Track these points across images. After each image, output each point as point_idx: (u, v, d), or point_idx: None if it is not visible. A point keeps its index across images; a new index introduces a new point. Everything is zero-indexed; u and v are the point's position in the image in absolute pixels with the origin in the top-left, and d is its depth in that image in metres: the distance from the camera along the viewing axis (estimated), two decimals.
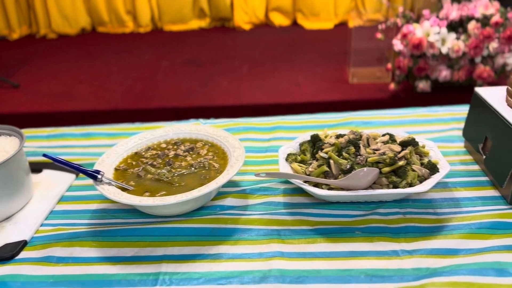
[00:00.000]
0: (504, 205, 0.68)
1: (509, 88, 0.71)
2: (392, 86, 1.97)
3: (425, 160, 0.71)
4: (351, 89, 2.14)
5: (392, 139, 0.74)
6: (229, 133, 0.78)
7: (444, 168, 0.68)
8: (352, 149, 0.70)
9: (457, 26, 1.84)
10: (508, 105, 0.71)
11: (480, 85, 1.89)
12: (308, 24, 3.18)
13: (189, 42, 3.05)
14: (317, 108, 2.10)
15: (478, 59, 1.82)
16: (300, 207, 0.70)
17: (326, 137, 0.77)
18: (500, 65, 1.83)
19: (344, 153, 0.70)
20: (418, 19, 1.95)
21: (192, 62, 2.65)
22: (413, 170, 0.68)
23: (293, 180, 0.68)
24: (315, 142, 0.75)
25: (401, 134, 0.77)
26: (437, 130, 0.90)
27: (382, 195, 0.67)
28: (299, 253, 0.62)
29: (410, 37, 1.79)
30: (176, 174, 0.70)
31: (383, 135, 0.77)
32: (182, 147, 0.77)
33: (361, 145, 0.71)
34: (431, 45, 1.80)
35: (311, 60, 2.58)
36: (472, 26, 1.76)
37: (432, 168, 0.68)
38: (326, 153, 0.71)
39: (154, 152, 0.77)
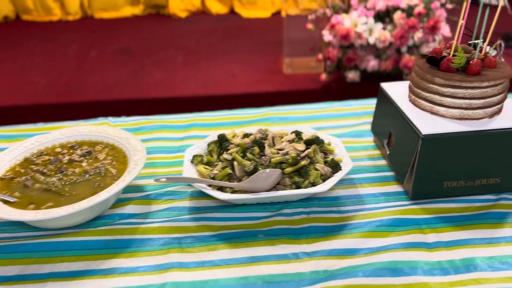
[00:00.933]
0: (406, 200, 0.69)
1: (411, 84, 0.72)
2: (324, 76, 1.98)
3: (330, 158, 0.70)
4: (285, 80, 2.14)
5: (299, 137, 0.73)
6: (131, 134, 0.74)
7: (346, 165, 0.68)
8: (257, 149, 0.68)
9: (384, 16, 1.88)
10: (410, 100, 0.72)
11: (407, 74, 1.95)
12: (246, 12, 3.14)
13: (120, 31, 2.91)
14: (251, 99, 2.08)
15: (404, 49, 1.87)
16: (206, 211, 0.68)
17: (233, 136, 0.74)
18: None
19: (248, 154, 0.67)
20: (348, 9, 1.97)
21: (123, 52, 2.53)
22: (316, 169, 0.67)
23: (195, 184, 0.65)
24: (222, 143, 0.72)
25: (309, 132, 0.76)
26: (350, 125, 0.90)
27: (282, 196, 0.65)
28: (198, 262, 0.59)
29: (338, 28, 1.81)
30: (67, 183, 0.65)
31: (292, 132, 0.75)
32: (79, 151, 0.71)
33: (266, 145, 0.69)
34: (359, 35, 1.83)
35: (248, 49, 2.55)
36: (397, 16, 1.81)
37: (335, 166, 0.68)
38: (231, 154, 0.68)
39: (47, 157, 0.71)
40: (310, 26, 1.94)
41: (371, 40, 1.83)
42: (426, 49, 1.88)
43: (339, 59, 1.92)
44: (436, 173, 0.66)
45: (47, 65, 2.35)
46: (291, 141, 0.71)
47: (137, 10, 3.21)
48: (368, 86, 1.99)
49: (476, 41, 0.69)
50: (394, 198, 0.70)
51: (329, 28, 1.84)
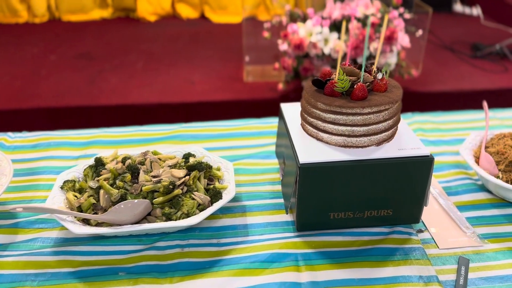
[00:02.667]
0: (291, 232, 0.64)
1: (301, 108, 0.67)
2: (281, 86, 1.94)
3: (213, 185, 0.65)
4: (244, 88, 2.09)
5: (187, 160, 0.68)
6: (4, 155, 0.68)
7: (229, 193, 0.63)
8: (129, 176, 0.63)
9: (340, 26, 1.84)
10: (301, 125, 0.67)
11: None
12: (216, 17, 3.08)
13: (86, 34, 2.84)
14: (208, 108, 2.03)
15: (359, 60, 1.83)
16: (72, 243, 0.62)
17: (113, 159, 0.69)
18: (382, 65, 1.86)
19: (118, 182, 0.62)
20: (306, 18, 1.93)
21: (84, 56, 2.46)
22: (193, 199, 0.62)
23: (54, 215, 0.60)
24: (97, 167, 0.67)
25: (202, 153, 0.71)
26: (261, 145, 0.85)
27: (143, 230, 0.60)
28: None
29: (291, 37, 1.76)
30: None
31: (184, 155, 0.70)
32: None
33: (141, 171, 0.64)
34: (314, 45, 1.78)
35: (212, 56, 2.50)
36: (352, 26, 1.77)
37: (215, 195, 0.63)
38: (98, 181, 0.63)
39: None
40: (266, 34, 1.90)
41: (326, 50, 1.79)
42: (383, 60, 1.84)
43: (295, 69, 1.88)
44: (321, 203, 0.61)
45: (2, 70, 2.28)
46: (172, 166, 0.66)
47: (106, 13, 3.15)
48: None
49: (369, 62, 0.65)
50: (281, 229, 0.65)
51: (282, 37, 1.79)
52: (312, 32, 1.78)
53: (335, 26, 1.83)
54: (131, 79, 2.19)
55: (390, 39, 1.77)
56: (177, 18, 3.16)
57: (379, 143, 0.61)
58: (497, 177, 0.68)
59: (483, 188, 0.73)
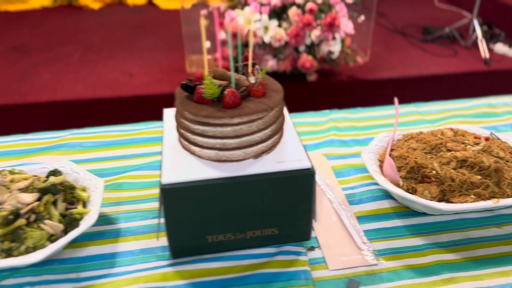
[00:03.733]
0: (166, 259, 0.56)
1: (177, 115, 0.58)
2: None
3: (74, 209, 0.56)
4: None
5: (47, 180, 0.59)
6: None
7: (88, 220, 0.55)
8: None
9: (280, 13, 1.75)
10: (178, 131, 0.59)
11: (310, 75, 1.84)
12: (164, 3, 2.94)
13: (23, 25, 2.66)
14: (144, 102, 1.92)
15: (301, 48, 1.75)
16: None
17: None
18: (325, 53, 1.79)
19: None
20: (247, 4, 1.83)
21: (17, 50, 2.30)
22: (42, 229, 0.53)
23: None
24: None
25: (72, 169, 0.62)
26: (153, 153, 0.77)
27: None
28: None
29: (227, 26, 1.67)
30: None
31: (49, 173, 0.61)
32: None
33: None
34: (254, 33, 1.69)
35: (156, 45, 2.37)
36: (292, 13, 1.68)
37: (71, 222, 0.54)
38: None
39: None
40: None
41: (266, 39, 1.70)
42: (326, 48, 1.77)
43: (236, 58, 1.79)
44: (195, 226, 0.54)
45: None
46: (23, 189, 0.56)
47: (47, 1, 2.95)
48: None
49: (245, 64, 0.57)
50: (155, 257, 0.57)
51: (218, 25, 1.69)
52: (250, 20, 1.69)
53: (275, 13, 1.75)
54: (65, 72, 2.05)
55: (331, 26, 1.69)
56: (123, 5, 3.00)
57: (257, 156, 0.54)
58: (398, 185, 0.62)
59: (389, 195, 0.67)
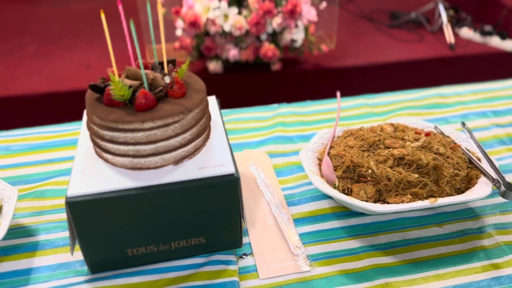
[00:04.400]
0: (84, 274, 0.53)
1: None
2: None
3: None
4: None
5: None
6: None
7: None
8: None
9: (241, 0, 1.70)
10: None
11: (274, 64, 1.80)
12: None
13: None
14: None
15: (263, 37, 1.70)
16: None
17: None
18: (288, 42, 1.75)
19: None
20: None
21: None
22: None
23: None
24: None
25: None
26: None
27: None
28: None
29: (184, 14, 1.60)
30: None
31: None
32: None
33: None
34: (213, 22, 1.64)
35: (117, 35, 2.28)
36: (252, 0, 1.63)
37: None
38: None
39: None
40: (162, 10, 1.72)
41: (227, 27, 1.65)
42: (289, 36, 1.72)
43: (197, 48, 1.73)
44: (112, 238, 0.50)
45: None
46: None
47: None
48: (232, 77, 1.83)
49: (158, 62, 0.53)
50: (73, 272, 0.53)
51: (174, 13, 1.63)
52: (209, 8, 1.63)
53: (236, 0, 1.69)
54: (19, 66, 1.95)
55: (293, 13, 1.65)
56: None
57: (178, 162, 0.50)
58: (334, 185, 0.59)
59: (328, 195, 0.65)
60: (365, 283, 0.52)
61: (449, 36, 2.07)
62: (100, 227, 0.48)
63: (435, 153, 0.60)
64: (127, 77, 0.51)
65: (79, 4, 2.71)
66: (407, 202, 0.55)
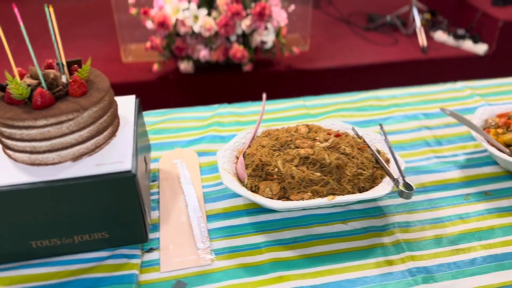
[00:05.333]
0: None
1: None
2: (155, 67, 1.81)
3: None
4: (120, 70, 1.94)
5: None
6: None
7: None
8: None
9: (211, 1, 1.72)
10: None
11: (245, 65, 1.82)
12: None
13: None
14: None
15: (233, 38, 1.73)
16: None
17: None
18: (258, 43, 1.77)
19: None
20: None
21: None
22: None
23: None
24: None
25: None
26: None
27: None
28: None
29: (153, 15, 1.63)
30: None
31: None
32: None
33: None
34: (182, 22, 1.66)
35: (95, 34, 2.31)
36: (221, 1, 1.65)
37: None
38: None
39: None
40: (133, 10, 1.74)
41: (196, 28, 1.67)
42: (259, 38, 1.75)
43: (168, 48, 1.75)
44: (15, 231, 0.52)
45: None
46: None
47: None
48: (204, 78, 1.85)
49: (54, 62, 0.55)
50: None
51: (143, 14, 1.65)
52: (179, 9, 1.65)
53: (206, 2, 1.71)
54: None
55: (261, 15, 1.67)
56: None
57: (76, 158, 0.52)
58: (244, 183, 0.61)
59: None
60: (260, 276, 0.54)
61: (422, 40, 2.09)
62: (2, 220, 0.50)
63: (342, 153, 0.62)
64: (31, 76, 0.53)
65: (61, 3, 2.74)
66: (307, 199, 0.58)
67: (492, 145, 0.68)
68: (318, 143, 0.63)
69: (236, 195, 0.66)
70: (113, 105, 0.55)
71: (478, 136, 0.69)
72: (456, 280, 0.53)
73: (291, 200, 0.58)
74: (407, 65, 2.05)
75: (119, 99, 0.63)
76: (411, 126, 0.83)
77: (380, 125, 0.73)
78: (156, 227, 0.61)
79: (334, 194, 0.59)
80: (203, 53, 1.74)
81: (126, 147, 0.55)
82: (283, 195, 0.60)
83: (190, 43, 1.75)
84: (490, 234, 0.60)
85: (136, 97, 0.67)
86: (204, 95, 1.89)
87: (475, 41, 2.08)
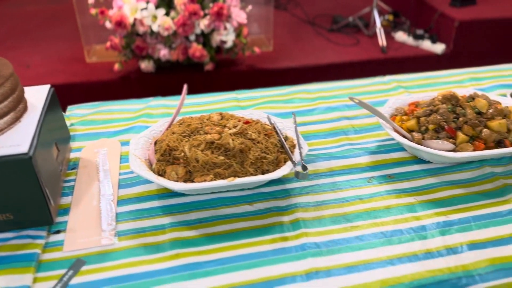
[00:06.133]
0: None
1: None
2: (116, 66, 1.83)
3: None
4: (83, 70, 1.96)
5: None
6: None
7: None
8: None
9: (170, 1, 1.75)
10: None
11: (206, 64, 1.85)
12: None
13: None
14: None
15: (192, 37, 1.76)
16: None
17: None
18: (218, 43, 1.81)
19: None
20: None
21: None
22: None
23: None
24: None
25: None
26: None
27: None
28: None
29: (110, 14, 1.65)
30: None
31: None
32: None
33: None
34: (141, 22, 1.68)
35: (61, 35, 2.32)
36: (178, 1, 1.68)
37: None
38: None
39: None
40: (93, 11, 1.77)
41: (155, 28, 1.70)
42: (218, 37, 1.78)
43: (129, 48, 1.78)
44: None
45: None
46: None
47: None
48: (165, 77, 1.87)
49: None
50: None
51: (100, 14, 1.67)
52: (137, 8, 1.68)
53: (164, 2, 1.74)
54: None
55: (219, 15, 1.71)
56: None
57: None
58: (152, 168, 0.64)
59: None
60: (159, 254, 0.57)
61: (382, 40, 2.14)
62: None
63: (249, 139, 0.65)
64: None
65: (33, 6, 2.74)
66: (208, 181, 0.60)
67: (397, 131, 0.71)
68: (227, 129, 0.66)
69: (149, 181, 0.69)
70: (15, 91, 0.58)
71: (384, 123, 0.72)
72: (343, 254, 0.57)
73: (195, 182, 0.61)
74: (367, 64, 2.10)
75: (33, 89, 0.66)
76: (333, 117, 0.86)
77: (293, 114, 0.76)
78: (67, 211, 0.63)
79: (237, 176, 0.62)
80: (163, 52, 1.77)
81: (27, 132, 0.57)
82: (189, 178, 0.62)
83: (150, 43, 1.78)
84: (385, 213, 0.63)
85: (51, 88, 0.69)
86: (166, 95, 1.91)
87: (433, 41, 2.14)
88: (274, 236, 0.60)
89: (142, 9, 1.67)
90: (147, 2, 1.69)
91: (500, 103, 0.75)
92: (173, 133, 0.67)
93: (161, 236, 0.59)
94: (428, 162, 0.72)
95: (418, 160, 0.73)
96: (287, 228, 0.61)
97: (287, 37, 2.33)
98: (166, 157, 0.64)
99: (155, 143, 0.67)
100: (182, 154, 0.63)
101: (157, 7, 1.71)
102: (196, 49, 1.74)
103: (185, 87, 0.78)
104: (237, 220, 0.62)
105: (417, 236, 0.59)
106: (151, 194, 0.67)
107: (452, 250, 0.57)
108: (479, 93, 0.75)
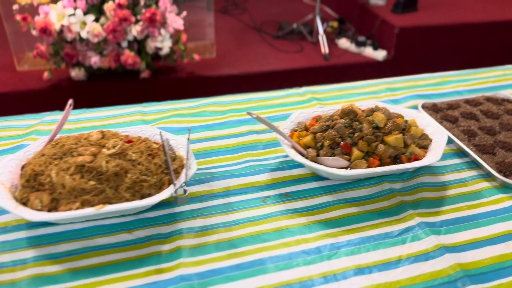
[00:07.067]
0: None
1: None
2: (46, 75, 1.73)
3: None
4: (11, 78, 1.84)
5: None
6: None
7: None
8: None
9: (100, 7, 1.67)
10: None
11: (142, 71, 1.78)
12: None
13: None
14: None
15: (124, 44, 1.69)
16: None
17: None
18: (153, 49, 1.74)
19: None
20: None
21: None
22: None
23: None
24: None
25: None
26: None
27: None
28: None
29: (33, 21, 1.56)
30: None
31: None
32: None
33: None
34: (69, 29, 1.60)
35: None
36: (108, 7, 1.61)
37: None
38: None
39: None
40: (18, 17, 1.66)
41: (84, 34, 1.61)
42: (153, 44, 1.72)
43: (58, 55, 1.68)
44: None
45: None
46: None
47: None
48: (98, 85, 1.79)
49: None
50: None
51: (21, 20, 1.58)
52: (64, 15, 1.59)
53: (95, 8, 1.66)
54: None
55: (153, 21, 1.65)
56: None
57: None
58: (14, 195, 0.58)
59: None
60: None
61: (324, 47, 2.14)
62: None
63: (128, 160, 0.60)
64: None
65: None
66: (74, 210, 0.55)
67: (294, 148, 0.68)
68: (105, 150, 0.61)
69: None
70: None
71: (282, 139, 0.69)
72: (218, 286, 0.52)
73: (59, 211, 0.55)
74: (310, 71, 2.09)
75: None
76: (242, 131, 0.82)
77: (188, 129, 0.71)
78: None
79: (109, 203, 0.56)
80: (94, 60, 1.68)
81: None
82: (55, 207, 0.56)
83: (80, 50, 1.69)
84: (274, 236, 0.59)
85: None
86: (100, 104, 1.82)
87: (375, 47, 2.15)
88: (149, 268, 0.55)
89: (69, 15, 1.59)
90: (75, 8, 1.60)
91: (401, 117, 0.73)
92: (43, 155, 0.60)
93: (20, 273, 0.53)
94: (326, 179, 0.69)
95: (317, 177, 0.70)
96: (165, 258, 0.56)
97: (232, 44, 2.29)
98: (31, 183, 0.58)
99: (22, 167, 0.61)
100: (48, 179, 0.57)
101: (86, 13, 1.62)
102: (129, 56, 1.67)
103: (69, 102, 0.72)
104: (111, 252, 0.57)
105: (302, 261, 0.56)
106: (20, 223, 0.60)
107: (335, 277, 0.54)
108: (380, 105, 0.73)
